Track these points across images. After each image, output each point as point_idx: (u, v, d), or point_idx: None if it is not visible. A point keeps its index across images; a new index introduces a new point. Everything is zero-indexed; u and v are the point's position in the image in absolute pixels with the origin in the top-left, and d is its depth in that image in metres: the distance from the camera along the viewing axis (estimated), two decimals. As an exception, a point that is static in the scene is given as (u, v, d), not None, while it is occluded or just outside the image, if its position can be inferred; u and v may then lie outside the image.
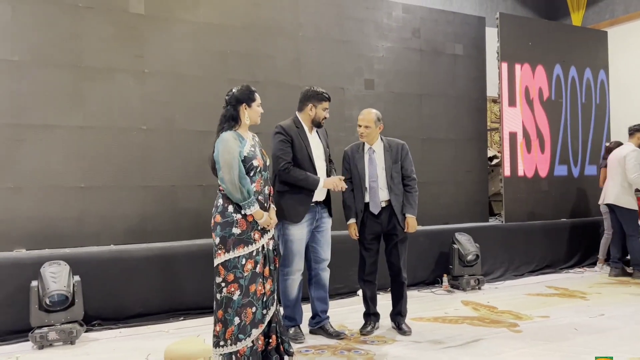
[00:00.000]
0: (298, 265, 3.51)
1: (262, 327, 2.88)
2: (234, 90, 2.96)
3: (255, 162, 2.85)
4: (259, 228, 2.84)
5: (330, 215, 3.64)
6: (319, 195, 3.51)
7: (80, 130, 4.34)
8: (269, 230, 2.92)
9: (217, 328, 2.85)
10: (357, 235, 3.71)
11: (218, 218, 2.82)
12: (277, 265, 3.04)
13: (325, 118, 3.53)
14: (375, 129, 3.67)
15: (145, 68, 4.58)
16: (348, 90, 5.59)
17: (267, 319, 2.92)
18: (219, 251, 2.80)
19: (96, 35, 4.40)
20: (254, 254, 2.82)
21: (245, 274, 2.81)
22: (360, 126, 3.66)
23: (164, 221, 4.60)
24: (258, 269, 2.85)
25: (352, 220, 3.70)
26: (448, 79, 6.18)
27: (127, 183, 4.50)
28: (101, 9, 4.44)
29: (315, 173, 3.44)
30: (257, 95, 2.99)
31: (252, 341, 2.84)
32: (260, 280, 2.85)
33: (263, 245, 2.89)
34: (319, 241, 3.59)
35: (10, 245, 4.09)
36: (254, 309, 2.84)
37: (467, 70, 6.28)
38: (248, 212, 2.78)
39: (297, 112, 3.57)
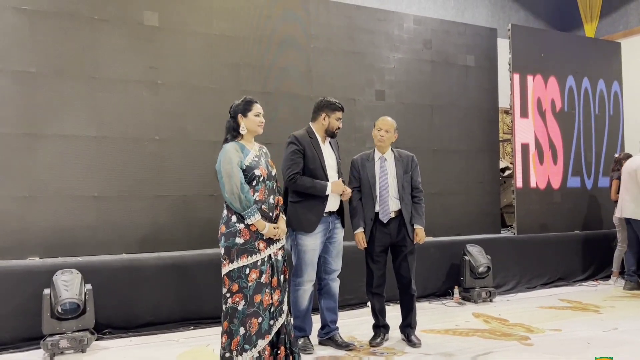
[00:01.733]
0: (310, 276, 3.48)
1: (269, 337, 2.86)
2: (234, 103, 3.01)
3: (257, 172, 2.86)
4: (265, 238, 2.84)
5: (343, 225, 3.64)
6: (332, 205, 3.50)
7: (94, 141, 4.39)
8: (277, 240, 2.91)
9: (224, 339, 2.84)
10: (365, 245, 3.66)
11: (223, 228, 2.84)
12: (287, 276, 3.03)
13: (338, 128, 3.53)
14: (392, 136, 3.68)
15: (158, 79, 4.62)
16: (359, 102, 5.59)
17: (275, 329, 2.90)
18: (224, 262, 2.81)
19: (111, 47, 4.45)
20: (259, 263, 2.82)
21: (250, 284, 2.80)
22: (380, 129, 3.64)
23: (175, 230, 4.61)
24: (264, 279, 2.83)
25: (360, 230, 3.65)
26: (460, 90, 6.16)
27: (140, 193, 4.52)
28: (116, 21, 4.49)
29: (327, 179, 3.44)
30: (255, 105, 3.00)
31: (259, 352, 2.83)
32: (267, 290, 2.84)
33: (270, 255, 2.88)
34: (331, 252, 3.57)
35: (25, 253, 4.11)
36: (259, 319, 2.82)
37: (478, 82, 6.26)
38: (249, 221, 2.79)
39: (310, 123, 3.58)
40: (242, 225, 2.80)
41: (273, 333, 2.88)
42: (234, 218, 2.81)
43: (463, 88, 6.17)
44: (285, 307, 2.96)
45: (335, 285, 3.66)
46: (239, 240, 2.79)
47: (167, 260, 4.26)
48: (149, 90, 4.59)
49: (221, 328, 2.85)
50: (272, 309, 2.87)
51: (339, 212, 3.60)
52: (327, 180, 3.42)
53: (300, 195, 3.41)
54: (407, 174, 3.69)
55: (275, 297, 2.88)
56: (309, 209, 3.39)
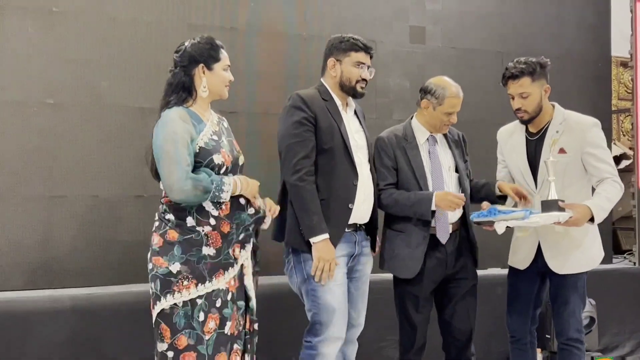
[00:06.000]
0: (337, 331, 3.38)
1: None
2: (186, 45, 3.04)
3: (216, 158, 2.92)
4: (240, 235, 2.98)
5: (374, 249, 3.65)
6: (360, 214, 3.48)
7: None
8: (251, 235, 3.05)
9: None
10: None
11: (172, 234, 2.89)
12: (252, 327, 3.14)
13: (363, 81, 3.50)
14: None
15: (53, 5, 4.35)
16: (383, 45, 5.22)
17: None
18: (182, 283, 2.83)
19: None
20: (221, 305, 2.91)
21: (207, 337, 2.86)
22: (453, 113, 3.66)
23: (80, 254, 4.42)
24: (228, 330, 2.94)
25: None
26: (548, 29, 5.88)
27: (21, 191, 4.30)
28: None
29: (355, 174, 3.42)
30: (223, 53, 3.06)
31: None
32: (236, 346, 2.99)
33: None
34: (351, 294, 3.52)
35: None
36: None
37: (579, 14, 6.02)
38: (226, 197, 2.88)
39: (322, 78, 3.58)
40: (208, 228, 2.88)
41: None
42: (190, 220, 2.89)
43: (554, 24, 5.92)
44: None
45: (352, 352, 3.58)
46: (208, 251, 2.88)
47: (65, 302, 4.12)
48: (36, 22, 4.33)
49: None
50: None
51: (369, 229, 3.59)
52: (356, 170, 3.41)
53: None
54: (465, 161, 3.81)
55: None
56: (325, 215, 3.35)
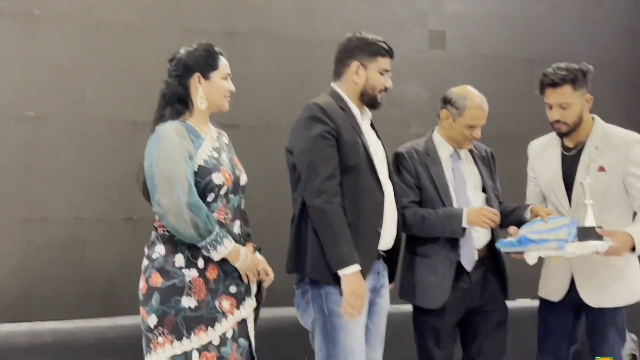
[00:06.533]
0: None
1: None
2: (181, 52, 3.02)
3: (216, 178, 2.86)
4: (232, 289, 2.88)
5: (392, 279, 3.57)
6: (387, 237, 3.41)
7: None
8: (251, 293, 2.99)
9: None
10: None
11: (155, 279, 2.80)
12: None
13: (385, 89, 3.43)
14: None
15: (34, 8, 4.33)
16: (399, 51, 5.29)
17: None
18: (153, 342, 2.79)
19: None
20: (219, 343, 2.83)
21: None
22: (476, 126, 3.61)
23: (60, 284, 4.37)
24: None
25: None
26: (582, 32, 5.79)
27: None
28: None
29: (381, 192, 3.34)
30: (222, 61, 3.01)
31: None
32: None
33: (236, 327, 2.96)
34: (368, 330, 3.42)
35: None
36: None
37: (616, 16, 5.95)
38: (216, 255, 2.79)
39: (334, 84, 3.45)
40: (193, 273, 2.80)
41: None
42: (178, 259, 2.80)
43: (589, 29, 5.85)
44: None
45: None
46: (189, 302, 2.79)
47: (45, 336, 4.03)
48: (15, 26, 4.32)
49: None
50: None
51: (391, 255, 3.51)
52: (382, 188, 3.32)
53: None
54: (493, 180, 3.76)
55: None
56: (354, 241, 3.24)
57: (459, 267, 3.57)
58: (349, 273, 3.19)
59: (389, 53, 3.43)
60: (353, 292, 3.20)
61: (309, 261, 3.25)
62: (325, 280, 3.24)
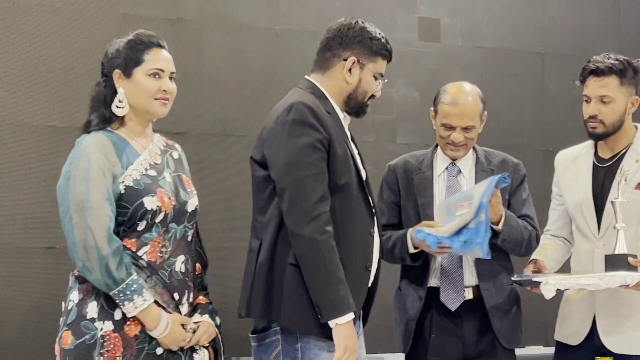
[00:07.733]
0: None
1: None
2: (113, 44, 3.00)
3: (148, 202, 2.78)
4: (159, 350, 2.78)
5: (365, 322, 3.43)
6: (372, 275, 3.34)
7: None
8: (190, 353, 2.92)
9: None
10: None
11: (65, 339, 2.73)
12: None
13: (372, 97, 3.32)
14: (479, 128, 3.63)
15: None
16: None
17: None
18: None
19: None
20: None
21: None
22: (451, 127, 3.49)
23: None
24: None
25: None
26: (601, 24, 5.76)
27: None
28: None
29: (372, 219, 3.23)
30: (149, 53, 2.92)
31: None
32: None
33: None
34: None
35: None
36: None
37: None
38: (128, 310, 2.70)
39: (313, 77, 3.22)
40: (107, 326, 2.72)
41: None
42: (90, 308, 2.74)
43: (609, 19, 5.84)
44: None
45: None
46: None
47: None
48: None
49: None
50: None
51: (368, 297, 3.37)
52: (372, 205, 3.25)
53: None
54: (509, 205, 3.62)
55: None
56: (346, 282, 3.14)
57: (443, 307, 3.44)
58: (344, 322, 2.97)
59: (389, 56, 3.25)
60: (348, 347, 3.00)
61: (285, 305, 3.00)
62: (305, 330, 3.00)
